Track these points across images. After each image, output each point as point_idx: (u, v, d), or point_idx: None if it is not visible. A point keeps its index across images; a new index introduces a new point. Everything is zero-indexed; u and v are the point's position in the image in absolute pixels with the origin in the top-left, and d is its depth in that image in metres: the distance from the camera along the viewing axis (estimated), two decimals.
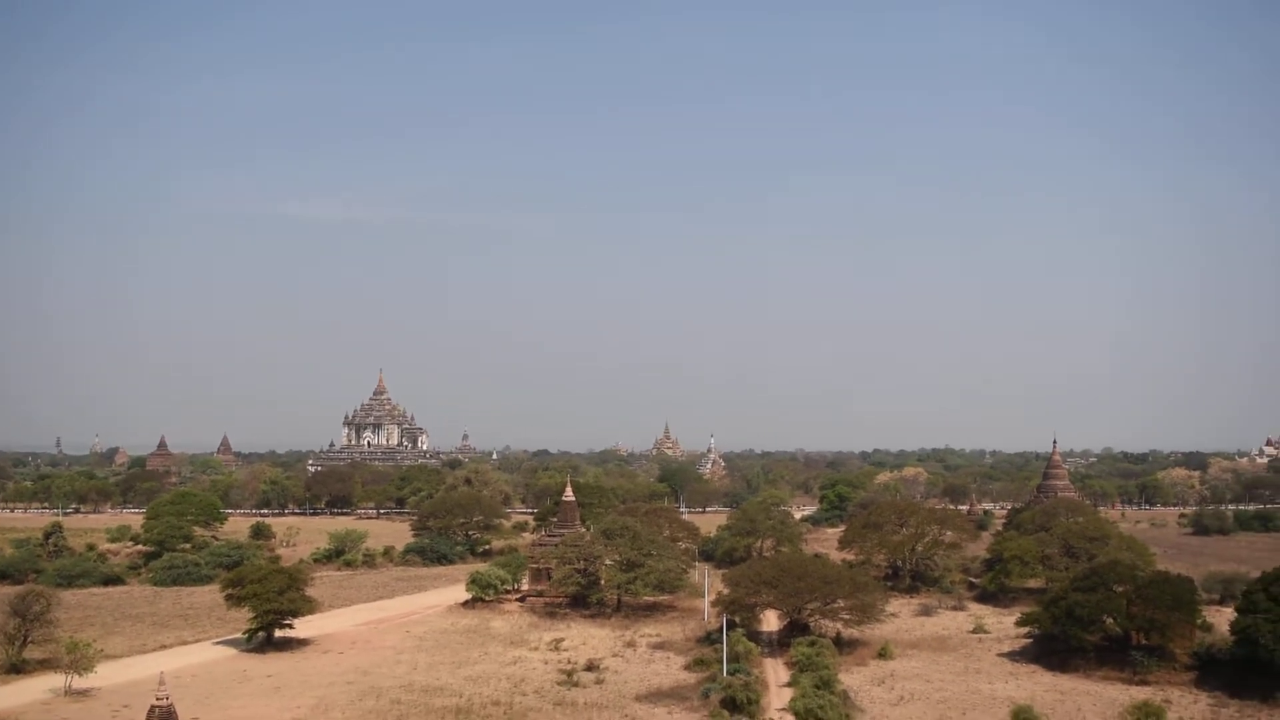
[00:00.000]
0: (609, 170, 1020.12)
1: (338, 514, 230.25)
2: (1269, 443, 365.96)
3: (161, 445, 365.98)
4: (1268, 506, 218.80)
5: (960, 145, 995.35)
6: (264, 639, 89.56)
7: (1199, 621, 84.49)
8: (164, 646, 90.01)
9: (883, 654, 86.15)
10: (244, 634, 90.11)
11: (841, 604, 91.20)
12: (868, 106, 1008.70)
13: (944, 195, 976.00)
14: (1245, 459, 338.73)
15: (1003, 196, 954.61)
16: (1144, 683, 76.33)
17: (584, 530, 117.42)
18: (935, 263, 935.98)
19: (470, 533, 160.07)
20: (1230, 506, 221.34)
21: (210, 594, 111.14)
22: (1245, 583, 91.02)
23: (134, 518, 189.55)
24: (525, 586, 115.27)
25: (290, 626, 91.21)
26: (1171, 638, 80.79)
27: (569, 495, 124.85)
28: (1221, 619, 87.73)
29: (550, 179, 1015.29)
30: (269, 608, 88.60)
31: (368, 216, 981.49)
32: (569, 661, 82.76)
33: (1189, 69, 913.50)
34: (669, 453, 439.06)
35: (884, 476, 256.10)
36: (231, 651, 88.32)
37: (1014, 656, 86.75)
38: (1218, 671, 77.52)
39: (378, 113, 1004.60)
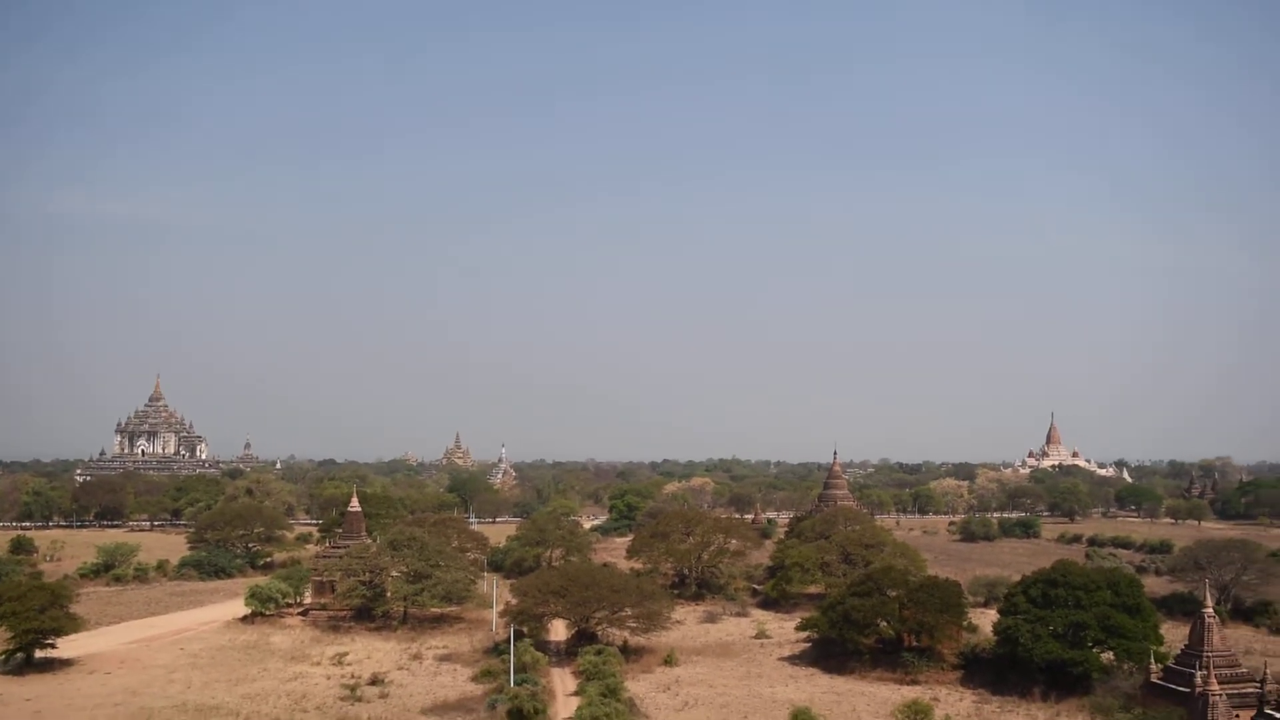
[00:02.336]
0: (404, 179, 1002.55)
1: (108, 526, 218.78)
2: (1031, 455, 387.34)
3: None
4: (1028, 514, 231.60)
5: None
6: (23, 660, 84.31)
7: (965, 623, 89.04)
8: None
9: (668, 661, 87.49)
10: (0, 655, 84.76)
11: (629, 612, 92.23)
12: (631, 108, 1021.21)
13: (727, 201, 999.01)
14: (1009, 470, 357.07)
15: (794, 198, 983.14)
16: (914, 682, 79.92)
17: (370, 541, 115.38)
18: (718, 273, 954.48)
19: (250, 545, 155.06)
20: (995, 514, 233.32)
21: None
22: (1007, 586, 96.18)
23: None
24: (308, 600, 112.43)
25: (53, 646, 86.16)
26: (940, 639, 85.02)
27: (355, 506, 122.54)
28: (986, 620, 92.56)
29: (332, 180, 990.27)
30: (28, 626, 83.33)
31: (136, 212, 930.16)
32: (353, 676, 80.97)
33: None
34: (459, 462, 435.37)
35: (672, 486, 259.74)
36: None
37: (794, 660, 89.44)
38: (981, 670, 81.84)
39: (146, 101, 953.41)
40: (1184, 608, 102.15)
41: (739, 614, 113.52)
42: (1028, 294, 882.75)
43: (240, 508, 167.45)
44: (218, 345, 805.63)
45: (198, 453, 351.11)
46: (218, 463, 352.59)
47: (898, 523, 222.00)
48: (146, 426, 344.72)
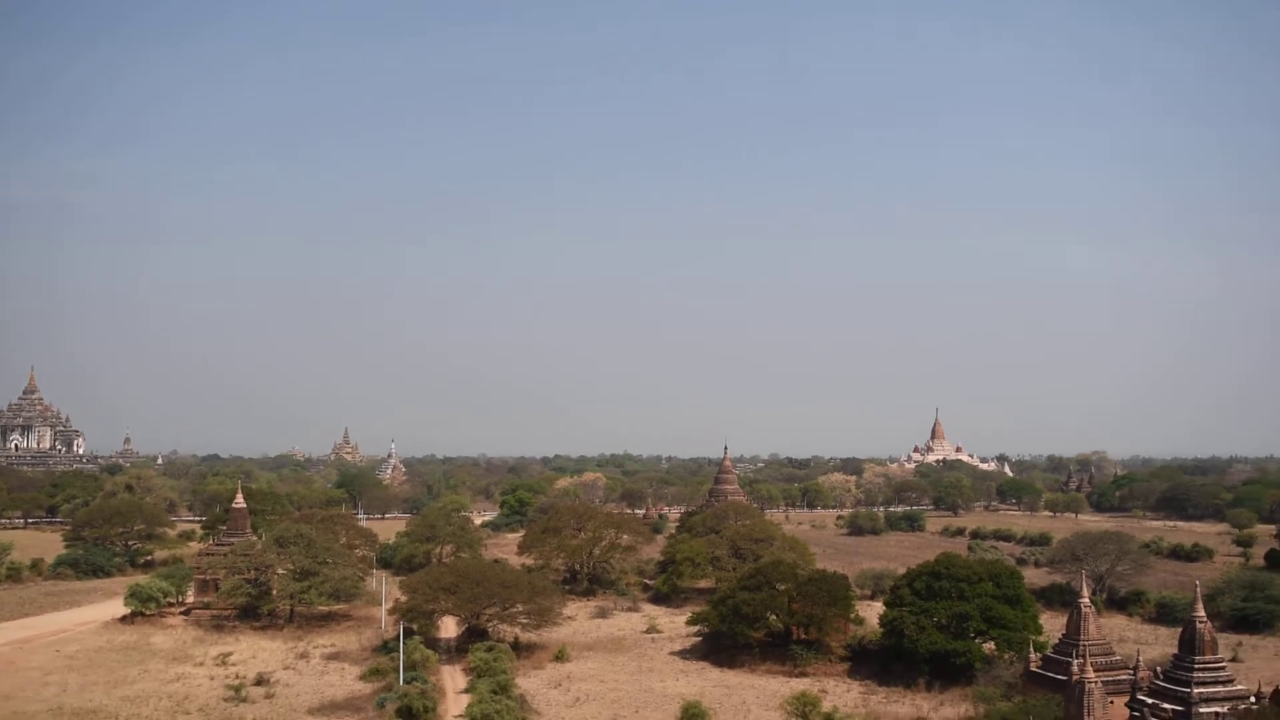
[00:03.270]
0: (300, 173, 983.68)
1: None
2: (916, 450, 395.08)
3: None
4: (914, 508, 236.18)
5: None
6: None
7: (852, 616, 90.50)
8: None
9: (559, 657, 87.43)
10: None
11: (520, 608, 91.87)
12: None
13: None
14: (895, 464, 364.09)
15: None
16: (803, 674, 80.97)
17: (255, 538, 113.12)
18: (610, 270, 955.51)
19: (130, 543, 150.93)
20: (881, 508, 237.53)
21: None
22: (893, 579, 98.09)
23: None
24: (191, 599, 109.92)
25: None
26: (828, 631, 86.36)
27: (240, 502, 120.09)
28: (872, 613, 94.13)
29: (227, 170, 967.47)
30: None
31: (18, 196, 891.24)
32: (237, 676, 79.31)
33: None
34: (348, 458, 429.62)
35: (564, 482, 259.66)
36: None
37: (685, 655, 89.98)
38: (868, 661, 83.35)
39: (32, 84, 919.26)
40: (1062, 598, 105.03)
41: (630, 609, 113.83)
42: (913, 294, 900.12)
43: (119, 504, 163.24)
44: (96, 337, 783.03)
45: (74, 447, 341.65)
46: (96, 458, 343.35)
47: (787, 517, 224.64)
48: (20, 420, 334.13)
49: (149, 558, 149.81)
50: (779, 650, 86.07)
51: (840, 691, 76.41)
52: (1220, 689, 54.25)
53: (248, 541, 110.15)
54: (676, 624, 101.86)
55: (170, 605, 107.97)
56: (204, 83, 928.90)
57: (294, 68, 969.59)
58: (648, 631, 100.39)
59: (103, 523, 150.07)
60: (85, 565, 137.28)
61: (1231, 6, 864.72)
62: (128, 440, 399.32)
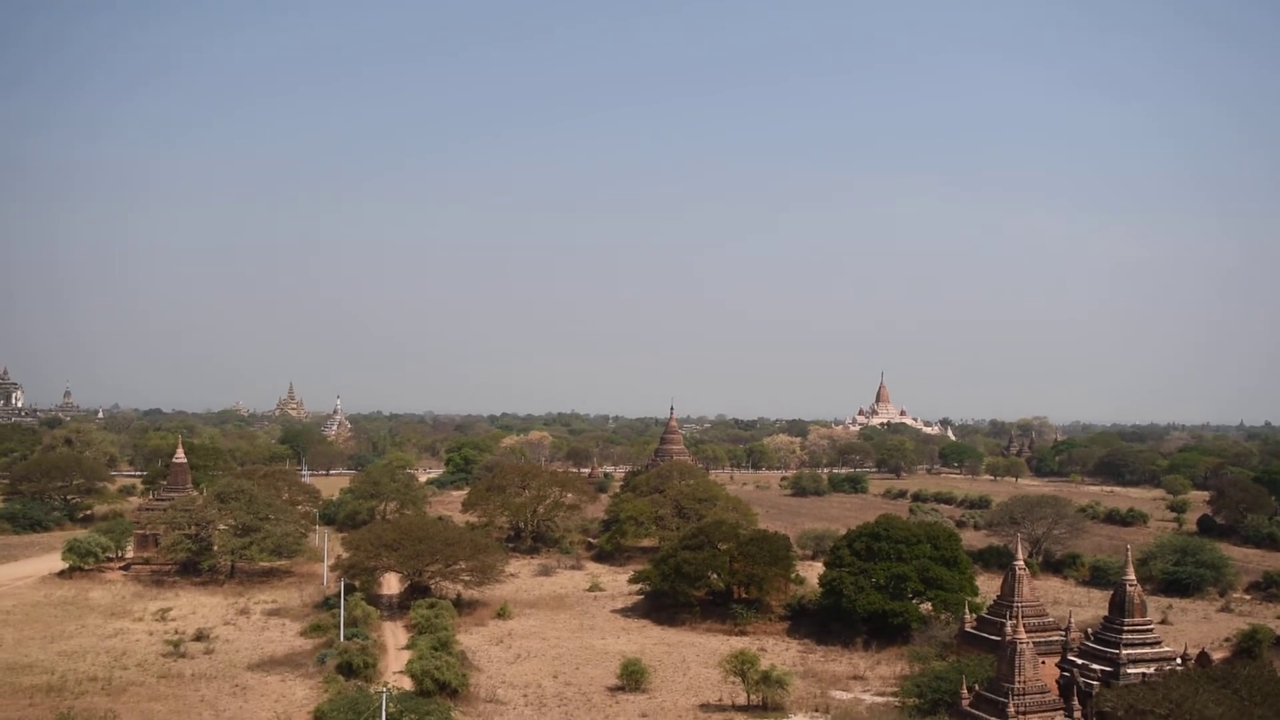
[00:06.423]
0: (254, 128, 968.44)
1: None
2: (861, 412, 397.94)
3: None
4: (857, 470, 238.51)
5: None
6: None
7: (793, 576, 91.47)
8: None
9: (502, 614, 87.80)
10: None
11: (462, 565, 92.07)
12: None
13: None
14: (840, 427, 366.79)
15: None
16: (743, 633, 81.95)
17: (196, 494, 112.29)
18: (558, 231, 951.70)
19: (69, 497, 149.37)
20: (825, 470, 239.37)
21: None
22: (834, 539, 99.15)
23: None
24: (130, 554, 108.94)
25: None
26: (768, 591, 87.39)
27: (180, 457, 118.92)
28: (813, 573, 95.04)
29: (176, 123, 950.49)
30: None
31: None
32: (176, 632, 78.89)
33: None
34: (293, 414, 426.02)
35: (510, 440, 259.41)
36: None
37: (627, 612, 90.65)
38: (807, 620, 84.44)
39: None
40: (999, 560, 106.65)
41: (573, 567, 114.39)
42: (861, 259, 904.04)
43: (58, 458, 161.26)
44: (37, 290, 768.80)
45: (13, 401, 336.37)
46: (35, 411, 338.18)
47: (731, 478, 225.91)
48: None
49: (88, 512, 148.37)
50: (720, 609, 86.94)
51: (779, 650, 77.39)
52: (1148, 650, 55.41)
53: (188, 497, 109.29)
54: (619, 582, 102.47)
55: (109, 560, 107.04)
56: (137, 41, 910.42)
57: (221, 34, 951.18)
58: (590, 589, 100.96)
59: (41, 477, 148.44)
60: (23, 519, 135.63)
61: None
62: (68, 394, 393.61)
